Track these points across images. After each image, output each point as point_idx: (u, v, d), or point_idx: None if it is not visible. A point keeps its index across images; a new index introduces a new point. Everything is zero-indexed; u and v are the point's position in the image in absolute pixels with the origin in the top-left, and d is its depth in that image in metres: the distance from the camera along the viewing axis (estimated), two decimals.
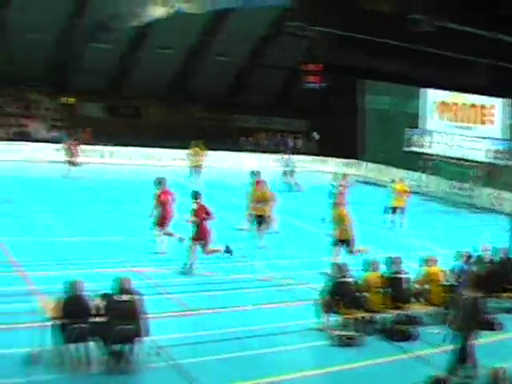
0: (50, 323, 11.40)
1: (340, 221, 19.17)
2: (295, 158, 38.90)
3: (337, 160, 46.47)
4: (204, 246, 17.88)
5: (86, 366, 11.44)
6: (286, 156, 37.56)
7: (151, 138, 42.21)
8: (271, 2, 25.37)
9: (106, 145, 41.58)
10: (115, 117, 47.42)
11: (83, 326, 11.31)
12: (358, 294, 14.23)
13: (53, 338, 11.34)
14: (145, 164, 41.44)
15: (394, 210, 26.84)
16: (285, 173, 36.31)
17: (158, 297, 15.02)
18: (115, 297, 11.68)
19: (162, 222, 19.48)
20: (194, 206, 18.08)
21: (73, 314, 11.32)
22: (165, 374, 11.57)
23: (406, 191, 27.27)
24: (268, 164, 41.02)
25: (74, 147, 35.41)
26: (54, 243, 19.79)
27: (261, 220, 21.69)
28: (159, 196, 19.70)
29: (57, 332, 11.36)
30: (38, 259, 17.82)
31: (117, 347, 11.57)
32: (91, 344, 11.55)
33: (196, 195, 18.34)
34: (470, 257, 16.53)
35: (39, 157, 40.48)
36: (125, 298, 11.62)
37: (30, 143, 41.87)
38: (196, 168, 35.61)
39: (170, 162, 42.06)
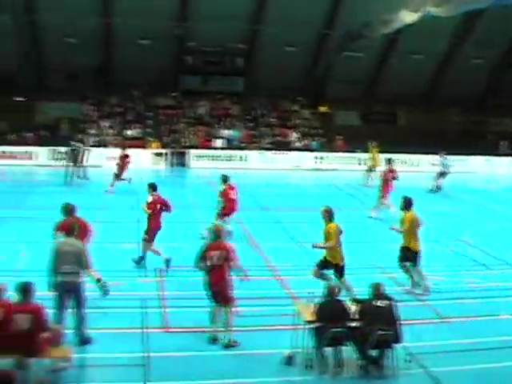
0: (306, 326, 11.73)
1: None
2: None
3: None
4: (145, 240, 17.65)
5: (340, 369, 11.61)
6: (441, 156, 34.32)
7: (407, 144, 41.87)
8: None
9: (361, 152, 41.75)
10: (369, 124, 47.76)
11: (340, 330, 11.45)
12: None
13: (309, 340, 11.66)
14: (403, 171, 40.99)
15: None
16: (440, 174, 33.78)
17: (411, 303, 14.97)
18: (372, 302, 11.75)
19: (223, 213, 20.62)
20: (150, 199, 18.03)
21: (330, 317, 11.49)
22: (418, 382, 11.50)
23: None
24: None
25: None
26: (309, 248, 20.28)
27: None
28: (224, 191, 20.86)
29: (313, 335, 11.66)
30: (294, 264, 18.37)
31: (373, 352, 11.66)
32: (346, 348, 11.70)
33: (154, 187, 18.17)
34: None
35: (297, 165, 41.98)
36: (381, 303, 11.65)
37: (287, 152, 43.37)
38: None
39: (427, 167, 41.33)
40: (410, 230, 15.62)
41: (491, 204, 30.27)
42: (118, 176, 30.00)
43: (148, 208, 17.65)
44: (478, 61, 45.98)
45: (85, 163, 34.17)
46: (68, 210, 15.12)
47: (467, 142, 43.31)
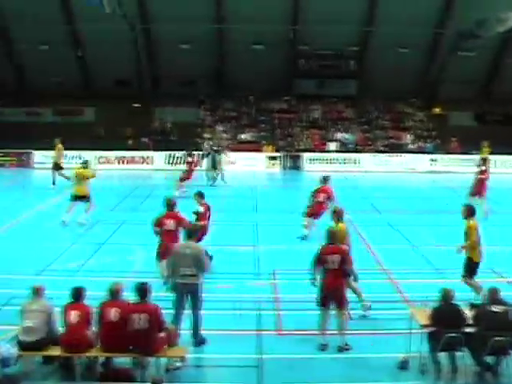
0: (421, 331, 11.68)
1: None
2: None
3: None
4: None
5: (454, 375, 11.50)
6: None
7: None
8: None
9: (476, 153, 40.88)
10: (484, 124, 46.79)
11: (455, 335, 11.29)
12: None
13: (424, 345, 11.60)
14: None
15: None
16: None
17: None
18: (488, 307, 11.56)
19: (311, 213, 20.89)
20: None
21: (446, 322, 11.39)
22: None
23: None
24: None
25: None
26: (424, 252, 20.15)
27: None
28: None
29: (428, 340, 11.59)
30: (408, 267, 18.28)
31: (489, 359, 11.47)
32: (461, 354, 11.53)
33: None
34: None
35: (411, 168, 41.62)
36: (497, 308, 11.44)
37: (401, 154, 42.99)
38: None
39: None
40: (475, 239, 14.85)
41: None
42: (182, 180, 30.39)
43: (201, 219, 17.44)
44: None
45: (222, 167, 35.58)
46: (169, 204, 16.10)
47: None
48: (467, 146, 41.58)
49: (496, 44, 43.81)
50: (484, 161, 26.95)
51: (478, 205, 21.81)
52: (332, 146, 44.66)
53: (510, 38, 42.42)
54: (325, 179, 21.41)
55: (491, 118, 47.64)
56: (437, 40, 44.04)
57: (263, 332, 13.33)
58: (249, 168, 41.01)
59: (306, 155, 42.85)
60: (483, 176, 26.09)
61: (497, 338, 11.10)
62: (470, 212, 14.96)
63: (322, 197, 20.84)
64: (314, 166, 41.87)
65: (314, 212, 20.88)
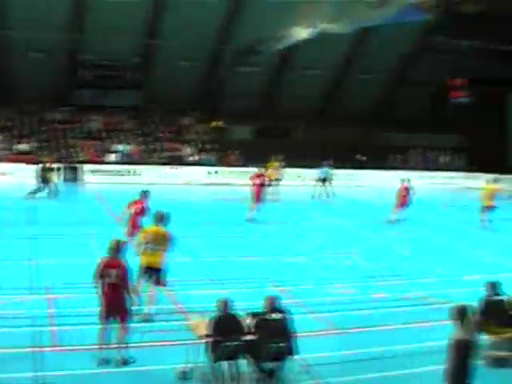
0: (201, 341, 11.62)
1: None
2: None
3: (487, 175, 44.87)
4: None
5: (235, 382, 11.55)
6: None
7: (302, 158, 42.34)
8: (412, 18, 25.16)
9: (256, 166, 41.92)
10: (264, 138, 48.14)
11: (235, 344, 11.39)
12: (508, 313, 13.75)
13: (204, 355, 11.55)
14: (297, 185, 41.58)
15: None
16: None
17: (304, 316, 15.09)
18: (266, 315, 11.74)
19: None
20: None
21: (224, 332, 11.42)
22: None
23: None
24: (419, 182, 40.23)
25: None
26: (201, 263, 20.28)
27: None
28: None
29: (208, 350, 11.56)
30: (186, 278, 18.19)
31: (268, 365, 11.62)
32: (242, 362, 11.65)
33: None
34: None
35: (191, 180, 41.82)
36: (275, 316, 11.66)
37: (182, 167, 43.15)
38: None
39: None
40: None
41: (381, 216, 30.90)
42: None
43: None
44: (371, 76, 47.08)
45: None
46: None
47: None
48: (247, 159, 42.57)
49: (276, 60, 45.23)
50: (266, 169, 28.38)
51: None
52: (111, 157, 43.99)
53: (289, 54, 43.95)
54: (144, 193, 20.81)
55: (271, 133, 49.06)
56: (219, 54, 44.79)
57: (41, 349, 12.68)
58: (25, 180, 39.28)
59: (85, 167, 41.84)
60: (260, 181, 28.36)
61: (274, 345, 11.31)
62: (158, 219, 15.51)
63: (133, 209, 20.40)
64: (93, 177, 41.03)
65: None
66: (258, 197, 28.45)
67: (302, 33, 32.34)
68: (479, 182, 43.69)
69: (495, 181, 30.21)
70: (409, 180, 29.75)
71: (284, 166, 37.27)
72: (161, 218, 15.56)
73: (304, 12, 32.46)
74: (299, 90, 46.59)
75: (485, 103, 44.21)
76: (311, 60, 44.64)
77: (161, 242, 15.16)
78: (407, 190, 29.98)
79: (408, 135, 51.83)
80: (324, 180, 37.42)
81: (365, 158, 47.58)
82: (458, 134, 51.78)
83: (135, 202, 19.83)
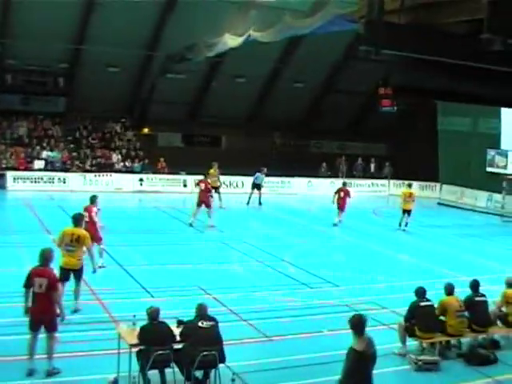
0: (130, 350, 11.53)
1: None
2: None
3: (414, 183, 45.76)
4: None
5: None
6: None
7: (230, 166, 42.38)
8: (341, 28, 25.41)
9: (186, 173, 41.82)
10: (194, 146, 48.07)
11: (165, 352, 11.32)
12: (436, 318, 14.01)
13: (134, 364, 11.46)
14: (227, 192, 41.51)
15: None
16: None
17: (234, 323, 15.08)
18: (194, 323, 11.66)
19: None
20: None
21: (155, 340, 11.34)
22: None
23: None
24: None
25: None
26: (130, 271, 20.08)
27: None
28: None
29: (138, 358, 11.47)
30: (116, 287, 18.11)
31: (197, 373, 11.59)
32: (172, 370, 11.56)
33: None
34: None
35: (119, 187, 41.41)
36: (204, 324, 11.59)
37: (110, 174, 42.64)
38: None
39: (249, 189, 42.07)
40: None
41: (312, 224, 31.17)
42: None
43: None
44: (300, 85, 47.38)
45: None
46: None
47: (289, 165, 44.72)
48: (175, 166, 42.39)
49: (205, 68, 45.15)
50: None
51: None
52: (38, 164, 43.16)
53: (217, 62, 43.92)
54: (91, 199, 20.46)
55: (199, 140, 49.06)
56: (147, 61, 44.46)
57: None
58: None
59: (9, 174, 40.90)
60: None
61: (204, 353, 11.23)
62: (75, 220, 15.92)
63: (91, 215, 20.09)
64: (18, 185, 40.21)
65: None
66: (204, 202, 28.83)
67: (232, 41, 32.32)
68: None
69: (409, 185, 31.18)
70: (344, 184, 30.23)
71: (221, 174, 37.02)
72: (77, 220, 15.89)
73: (235, 20, 32.51)
74: (228, 98, 46.61)
75: (413, 112, 44.93)
76: (241, 68, 44.67)
77: (78, 242, 15.39)
78: (345, 194, 30.78)
79: (338, 143, 52.52)
80: (258, 187, 37.76)
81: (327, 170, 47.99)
82: (386, 143, 52.73)
83: (86, 209, 19.58)
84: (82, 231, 15.72)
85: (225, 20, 33.26)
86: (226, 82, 45.70)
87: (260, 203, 37.48)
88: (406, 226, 30.26)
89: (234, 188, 42.51)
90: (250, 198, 37.79)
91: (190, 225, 28.56)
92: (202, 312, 11.85)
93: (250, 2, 33.35)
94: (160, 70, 43.90)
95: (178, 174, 42.33)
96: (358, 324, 9.29)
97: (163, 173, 43.42)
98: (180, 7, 38.70)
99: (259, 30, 29.60)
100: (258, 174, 38.12)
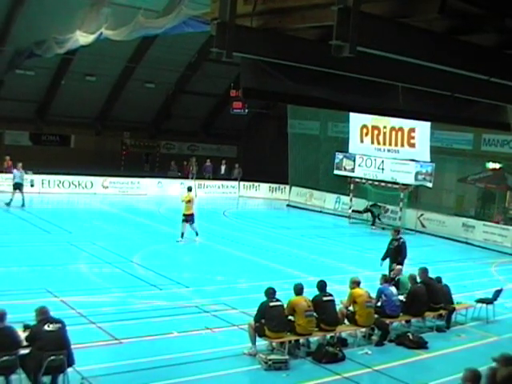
0: None
1: None
2: None
3: (264, 185, 46.49)
4: None
5: None
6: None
7: (79, 166, 41.54)
8: (194, 29, 25.52)
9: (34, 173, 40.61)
10: (42, 145, 46.82)
11: (11, 357, 10.97)
12: (285, 318, 14.25)
13: None
14: (75, 192, 40.73)
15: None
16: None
17: (83, 326, 14.82)
18: (40, 327, 11.35)
19: None
20: None
21: (0, 345, 10.96)
22: None
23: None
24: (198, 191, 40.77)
25: None
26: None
27: None
28: None
29: None
30: None
31: (45, 378, 11.28)
32: (20, 376, 11.24)
33: None
34: (386, 278, 16.98)
35: None
36: (50, 327, 11.31)
37: None
38: None
39: (100, 189, 41.66)
40: None
41: (161, 225, 31.04)
42: None
43: None
44: (152, 85, 47.08)
45: None
46: None
47: (139, 165, 44.43)
48: (24, 165, 41.13)
49: (55, 65, 44.02)
50: None
51: None
52: None
53: (68, 59, 42.92)
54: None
55: (47, 139, 47.79)
56: None
57: None
58: None
59: None
60: None
61: (52, 357, 10.99)
62: None
63: None
64: None
65: None
66: None
67: (83, 38, 31.67)
68: (255, 192, 45.78)
69: (189, 189, 28.69)
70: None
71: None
72: None
73: (87, 17, 31.83)
74: (79, 96, 45.63)
75: (264, 115, 45.81)
76: (92, 67, 43.86)
77: None
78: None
79: (189, 145, 52.56)
80: (20, 186, 34.91)
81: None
82: (237, 145, 53.31)
83: None
84: None
85: (77, 17, 32.50)
86: (77, 80, 44.76)
87: (23, 204, 34.52)
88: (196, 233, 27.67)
89: (83, 188, 41.64)
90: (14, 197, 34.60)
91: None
92: (45, 315, 11.56)
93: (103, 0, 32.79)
94: (8, 66, 42.44)
95: (25, 173, 41.00)
96: None
97: (9, 172, 41.93)
98: (30, 1, 37.52)
99: (111, 28, 29.17)
100: (17, 172, 35.49)
